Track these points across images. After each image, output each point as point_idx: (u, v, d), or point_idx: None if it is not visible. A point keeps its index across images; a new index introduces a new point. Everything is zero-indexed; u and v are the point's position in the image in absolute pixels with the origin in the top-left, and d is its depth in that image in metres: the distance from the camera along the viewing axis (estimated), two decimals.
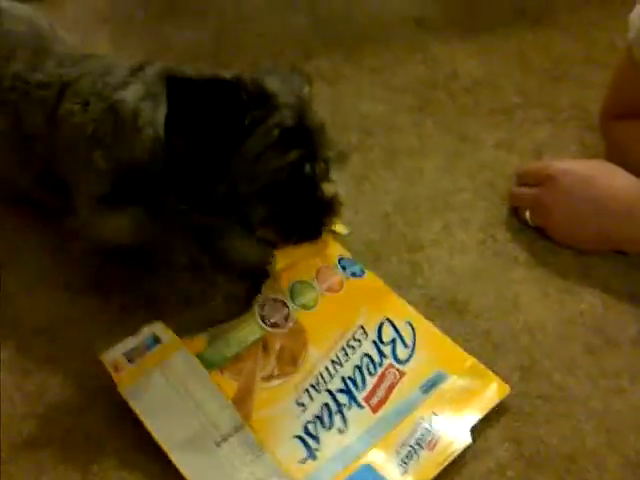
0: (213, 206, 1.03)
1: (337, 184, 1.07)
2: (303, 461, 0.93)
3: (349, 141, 1.53)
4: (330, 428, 0.96)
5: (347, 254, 1.22)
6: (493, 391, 1.02)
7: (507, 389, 1.03)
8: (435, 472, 0.93)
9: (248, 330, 1.07)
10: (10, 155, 1.19)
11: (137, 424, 0.96)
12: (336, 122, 1.56)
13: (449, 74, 1.73)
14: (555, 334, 1.16)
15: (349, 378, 1.02)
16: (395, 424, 0.97)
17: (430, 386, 1.02)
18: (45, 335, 1.13)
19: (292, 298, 1.12)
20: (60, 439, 1.00)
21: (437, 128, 1.57)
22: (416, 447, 0.94)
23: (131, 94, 1.07)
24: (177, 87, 0.95)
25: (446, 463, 0.94)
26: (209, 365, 1.01)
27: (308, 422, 0.97)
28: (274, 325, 1.08)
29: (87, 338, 1.11)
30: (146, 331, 1.04)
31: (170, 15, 1.88)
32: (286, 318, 1.09)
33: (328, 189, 1.06)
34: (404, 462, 0.92)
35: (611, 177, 1.24)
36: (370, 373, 1.03)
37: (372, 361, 1.04)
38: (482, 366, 1.06)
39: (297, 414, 0.98)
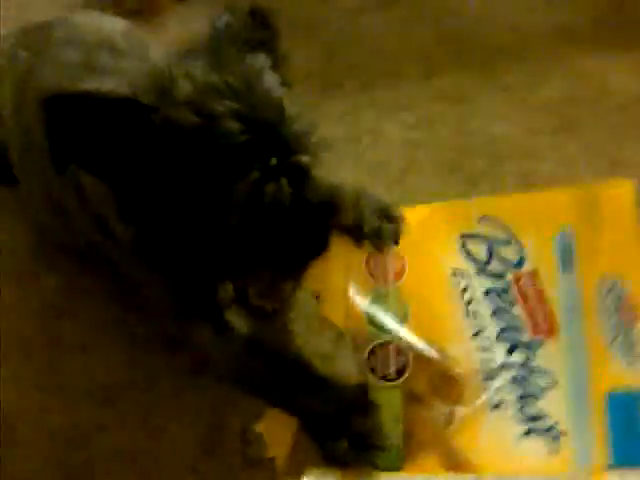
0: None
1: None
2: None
3: (475, 167, 1.29)
4: (539, 394, 0.81)
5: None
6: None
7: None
8: None
9: (388, 407, 0.84)
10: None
11: None
12: (460, 146, 1.35)
13: (598, 90, 1.47)
14: None
15: (501, 331, 0.85)
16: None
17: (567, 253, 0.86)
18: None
19: (377, 326, 0.88)
20: None
21: (583, 152, 1.32)
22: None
23: None
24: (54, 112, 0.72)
25: None
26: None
27: (521, 414, 0.81)
28: (401, 370, 0.85)
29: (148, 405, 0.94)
30: None
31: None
32: (399, 353, 0.86)
33: (320, 182, 0.79)
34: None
35: None
36: (511, 303, 0.86)
37: (498, 290, 0.87)
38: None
39: (506, 415, 0.82)
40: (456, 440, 0.82)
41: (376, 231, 0.94)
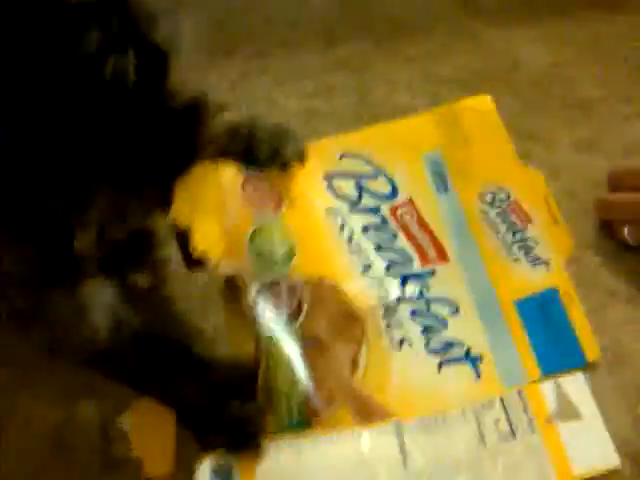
0: None
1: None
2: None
3: None
4: (444, 324, 0.75)
5: None
6: None
7: None
8: None
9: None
10: None
11: None
12: (363, 115, 1.22)
13: (508, 64, 1.38)
14: None
15: (389, 265, 0.78)
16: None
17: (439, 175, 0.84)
18: None
19: (263, 263, 0.78)
20: None
21: None
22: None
23: None
24: None
25: None
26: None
27: (429, 347, 0.75)
28: (294, 314, 0.76)
29: None
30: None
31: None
32: (292, 292, 0.77)
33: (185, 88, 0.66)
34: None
35: None
36: (393, 237, 0.80)
37: (376, 225, 0.81)
38: None
39: (413, 351, 0.75)
40: (365, 387, 0.74)
41: (274, 153, 0.83)
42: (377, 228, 0.82)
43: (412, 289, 0.78)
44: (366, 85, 1.30)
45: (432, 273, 0.78)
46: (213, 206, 0.75)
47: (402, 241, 0.80)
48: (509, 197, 0.82)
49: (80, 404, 0.81)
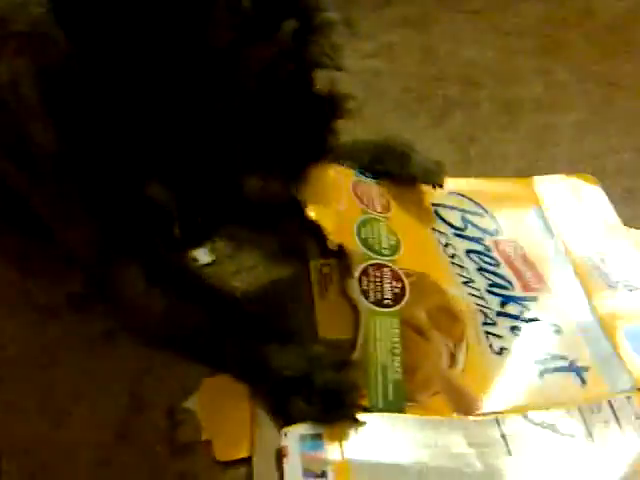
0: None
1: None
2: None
3: (447, 96, 1.09)
4: (545, 340, 0.75)
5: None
6: None
7: None
8: None
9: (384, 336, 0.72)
10: None
11: None
12: (428, 73, 1.15)
13: (580, 11, 1.29)
14: None
15: (490, 286, 0.80)
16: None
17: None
18: None
19: (369, 248, 0.78)
20: None
21: (572, 74, 1.13)
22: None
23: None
24: None
25: None
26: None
27: (531, 358, 0.74)
28: (398, 297, 0.75)
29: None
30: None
31: None
32: (396, 278, 0.76)
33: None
34: None
35: None
36: (495, 264, 0.82)
37: (479, 252, 0.83)
38: None
39: (513, 360, 0.74)
40: (464, 383, 0.71)
41: (425, 171, 0.84)
42: (480, 254, 0.84)
43: (512, 309, 0.79)
44: (429, 41, 1.22)
45: (533, 299, 0.80)
46: (329, 198, 0.78)
47: (504, 269, 0.82)
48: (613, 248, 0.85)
49: (144, 388, 0.77)
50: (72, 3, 0.58)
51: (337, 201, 0.80)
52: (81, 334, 0.78)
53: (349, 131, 0.72)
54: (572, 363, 0.74)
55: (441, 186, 0.83)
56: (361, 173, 0.86)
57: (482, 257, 0.83)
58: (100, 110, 0.64)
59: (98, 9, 0.57)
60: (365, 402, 0.67)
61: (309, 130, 0.66)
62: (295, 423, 0.66)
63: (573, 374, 0.73)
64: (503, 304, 0.78)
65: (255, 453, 0.66)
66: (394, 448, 0.65)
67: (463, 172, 0.95)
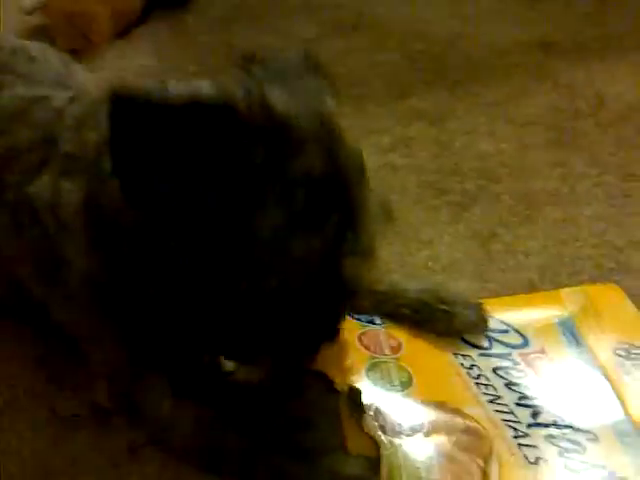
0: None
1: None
2: None
3: (465, 190, 1.10)
4: (582, 449, 0.74)
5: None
6: None
7: None
8: None
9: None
10: None
11: None
12: (445, 166, 1.16)
13: (592, 101, 1.30)
14: None
15: (520, 399, 0.79)
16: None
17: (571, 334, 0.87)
18: None
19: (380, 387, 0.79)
20: None
21: (588, 166, 1.14)
22: None
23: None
24: (126, 115, 0.58)
25: None
26: None
27: (569, 467, 0.73)
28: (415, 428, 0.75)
29: None
30: None
31: None
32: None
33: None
34: None
35: None
36: (524, 376, 0.82)
37: (507, 368, 0.83)
38: None
39: (550, 469, 0.73)
40: None
41: (469, 325, 0.85)
42: (507, 370, 0.83)
43: (545, 419, 0.78)
44: (444, 134, 1.24)
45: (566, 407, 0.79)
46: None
47: (532, 379, 0.82)
48: None
49: None
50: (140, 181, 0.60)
51: (343, 360, 0.82)
52: (104, 449, 0.76)
53: None
54: (612, 474, 0.72)
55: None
56: (369, 322, 0.87)
57: (510, 372, 0.83)
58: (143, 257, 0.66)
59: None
60: None
61: (324, 315, 0.68)
62: None
63: None
64: (535, 415, 0.78)
65: None
66: None
67: (486, 269, 0.95)
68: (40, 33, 1.59)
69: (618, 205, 1.05)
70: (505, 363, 0.84)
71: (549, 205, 1.06)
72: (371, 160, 1.17)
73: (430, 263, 0.98)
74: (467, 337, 0.87)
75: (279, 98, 0.60)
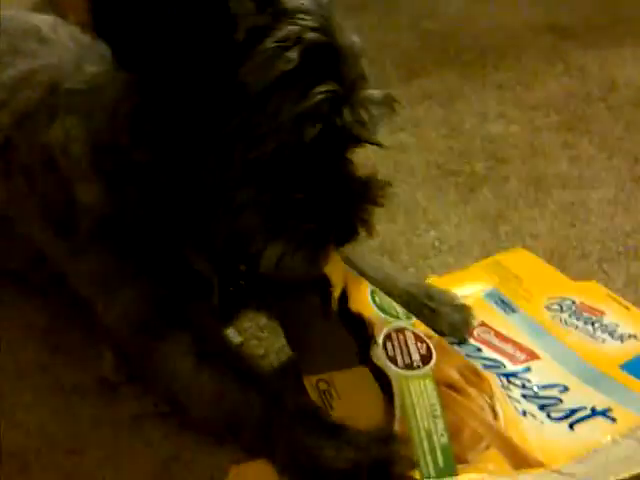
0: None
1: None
2: None
3: (474, 171, 1.09)
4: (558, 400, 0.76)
5: None
6: None
7: None
8: None
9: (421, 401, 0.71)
10: None
11: None
12: (454, 148, 1.15)
13: (605, 85, 1.30)
14: None
15: (485, 367, 0.79)
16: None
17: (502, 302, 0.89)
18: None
19: (387, 313, 0.77)
20: None
21: (598, 149, 1.13)
22: None
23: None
24: None
25: None
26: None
27: (552, 417, 0.75)
28: (426, 357, 0.74)
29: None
30: None
31: None
32: (419, 340, 0.75)
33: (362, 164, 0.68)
34: None
35: None
36: (477, 350, 0.83)
37: (459, 343, 0.83)
38: None
39: (538, 420, 0.74)
40: (511, 435, 0.69)
41: (452, 326, 0.84)
42: (460, 344, 0.84)
43: (515, 382, 0.79)
44: (454, 116, 1.23)
45: (528, 370, 0.81)
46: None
47: (487, 352, 0.83)
48: (574, 302, 0.88)
49: (171, 475, 0.74)
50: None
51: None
52: (109, 419, 0.77)
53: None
54: (593, 409, 0.75)
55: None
56: None
57: (462, 347, 0.83)
58: (148, 180, 0.66)
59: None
60: (417, 475, 0.65)
61: (340, 211, 0.66)
62: None
63: (601, 417, 0.74)
64: (505, 377, 0.79)
65: None
66: None
67: (493, 251, 0.95)
68: (52, 6, 1.57)
69: (627, 189, 1.04)
70: (453, 340, 0.84)
71: (558, 188, 1.05)
72: (382, 139, 1.18)
73: (437, 243, 0.97)
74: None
75: None
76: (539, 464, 0.67)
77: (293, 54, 0.58)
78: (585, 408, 0.75)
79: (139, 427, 0.75)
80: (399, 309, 0.78)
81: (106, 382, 0.78)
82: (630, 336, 0.83)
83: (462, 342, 0.84)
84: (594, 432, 0.72)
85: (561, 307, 0.88)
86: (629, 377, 0.78)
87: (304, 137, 0.60)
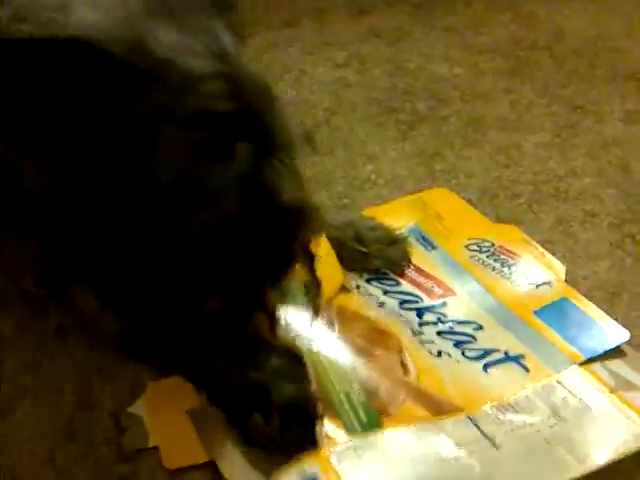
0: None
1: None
2: None
3: (415, 109, 1.10)
4: (473, 338, 0.79)
5: None
6: None
7: None
8: None
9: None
10: None
11: None
12: (397, 86, 1.16)
13: (551, 34, 1.31)
14: None
15: (401, 304, 0.83)
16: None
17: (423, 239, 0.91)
18: None
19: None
20: None
21: (539, 95, 1.14)
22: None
23: None
24: None
25: None
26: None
27: (467, 356, 0.77)
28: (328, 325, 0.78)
29: None
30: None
31: None
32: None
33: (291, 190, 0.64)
34: None
35: None
36: (396, 284, 0.85)
37: (377, 277, 0.86)
38: None
39: (453, 360, 0.76)
40: (425, 385, 0.72)
41: (387, 261, 0.86)
42: (379, 279, 0.86)
43: (430, 317, 0.82)
44: (400, 55, 1.23)
45: (444, 304, 0.84)
46: None
47: (406, 286, 0.86)
48: (493, 244, 0.90)
49: (93, 387, 0.75)
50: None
51: None
52: (32, 330, 0.76)
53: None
54: (507, 353, 0.77)
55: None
56: None
57: (382, 281, 0.86)
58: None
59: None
60: (343, 430, 0.67)
61: (274, 247, 0.64)
62: (254, 437, 0.65)
63: (514, 363, 0.76)
64: (420, 315, 0.82)
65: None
66: (390, 467, 0.65)
67: (427, 186, 0.96)
68: None
69: (563, 135, 1.05)
70: (373, 274, 0.86)
71: (496, 130, 1.06)
72: (324, 74, 1.18)
73: (373, 176, 0.98)
74: None
75: (165, 37, 0.56)
76: (458, 409, 0.70)
77: (200, 129, 0.56)
78: (499, 350, 0.77)
79: (62, 339, 0.75)
80: (299, 293, 0.79)
81: (29, 294, 0.78)
82: (544, 283, 0.85)
83: (399, 274, 0.86)
84: (507, 378, 0.74)
85: (480, 248, 0.90)
86: (542, 324, 0.80)
87: (229, 209, 0.59)
